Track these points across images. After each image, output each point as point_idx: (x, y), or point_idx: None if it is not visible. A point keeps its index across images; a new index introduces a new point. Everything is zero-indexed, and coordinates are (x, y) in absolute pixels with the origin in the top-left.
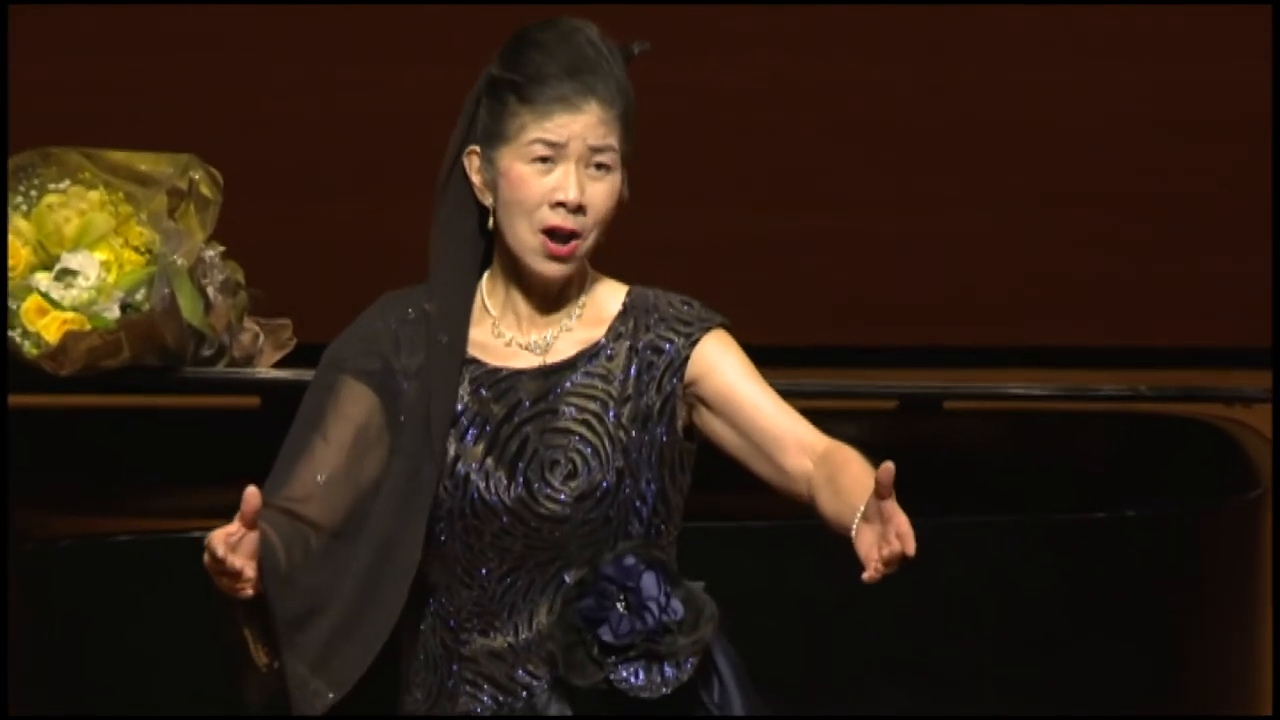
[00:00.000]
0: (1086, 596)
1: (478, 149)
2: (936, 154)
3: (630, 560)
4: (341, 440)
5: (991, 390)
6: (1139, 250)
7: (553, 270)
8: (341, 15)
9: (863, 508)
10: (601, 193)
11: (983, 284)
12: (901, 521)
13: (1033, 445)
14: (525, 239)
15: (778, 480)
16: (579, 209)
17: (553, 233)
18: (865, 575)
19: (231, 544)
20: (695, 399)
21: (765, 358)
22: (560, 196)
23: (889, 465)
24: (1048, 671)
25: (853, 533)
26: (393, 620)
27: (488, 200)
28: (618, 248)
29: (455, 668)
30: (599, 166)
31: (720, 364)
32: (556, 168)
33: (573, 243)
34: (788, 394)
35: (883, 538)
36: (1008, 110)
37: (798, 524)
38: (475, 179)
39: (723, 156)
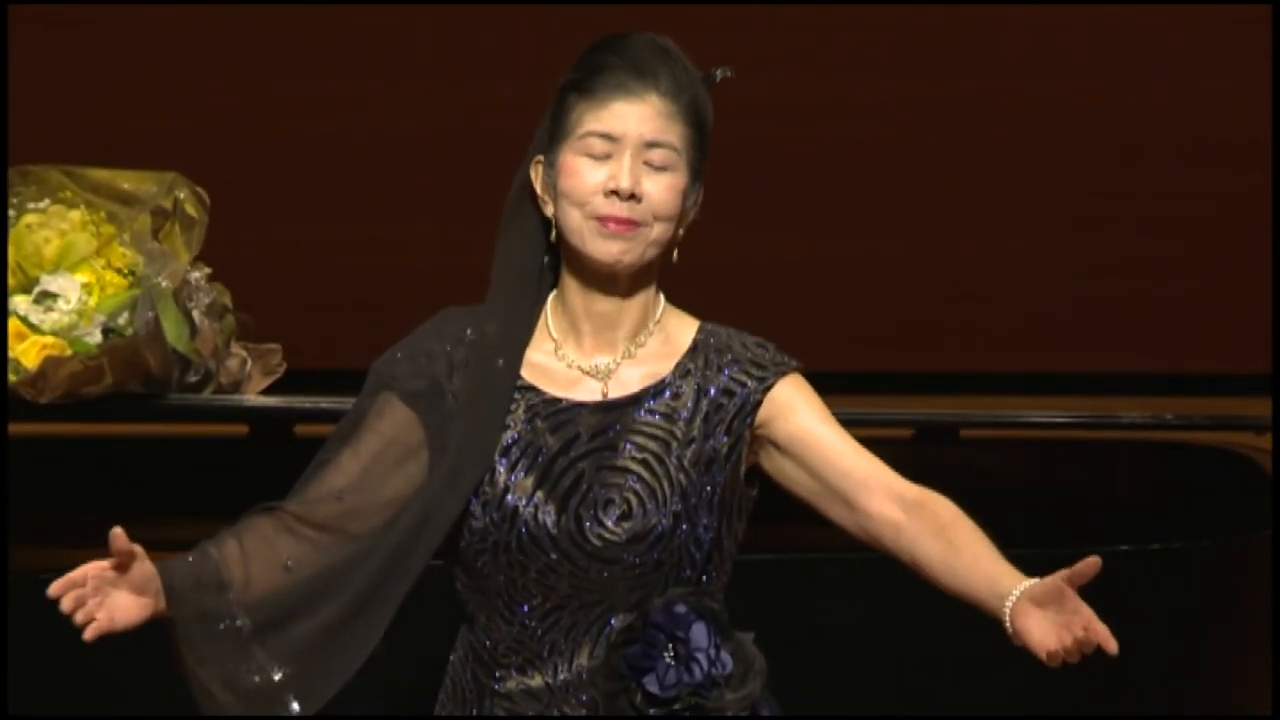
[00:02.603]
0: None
1: (542, 157)
2: (949, 176)
3: (681, 609)
4: (369, 455)
5: (1010, 418)
6: (1165, 274)
7: (614, 251)
8: (334, 30)
9: (1023, 586)
10: (660, 184)
11: (998, 309)
12: (1091, 616)
13: (1054, 476)
14: (579, 224)
15: (855, 524)
16: (632, 198)
17: (606, 220)
18: (1051, 663)
19: (108, 579)
20: (766, 441)
21: None
22: (612, 185)
23: (1096, 560)
24: (1071, 710)
25: (1007, 610)
26: (377, 636)
27: (549, 210)
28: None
29: (488, 704)
30: (658, 168)
31: (794, 406)
32: (611, 161)
33: (633, 225)
34: None
35: (1066, 628)
36: (1026, 130)
37: (802, 559)
38: (538, 188)
39: (728, 176)
